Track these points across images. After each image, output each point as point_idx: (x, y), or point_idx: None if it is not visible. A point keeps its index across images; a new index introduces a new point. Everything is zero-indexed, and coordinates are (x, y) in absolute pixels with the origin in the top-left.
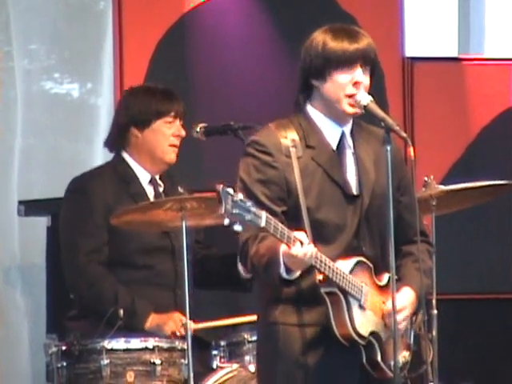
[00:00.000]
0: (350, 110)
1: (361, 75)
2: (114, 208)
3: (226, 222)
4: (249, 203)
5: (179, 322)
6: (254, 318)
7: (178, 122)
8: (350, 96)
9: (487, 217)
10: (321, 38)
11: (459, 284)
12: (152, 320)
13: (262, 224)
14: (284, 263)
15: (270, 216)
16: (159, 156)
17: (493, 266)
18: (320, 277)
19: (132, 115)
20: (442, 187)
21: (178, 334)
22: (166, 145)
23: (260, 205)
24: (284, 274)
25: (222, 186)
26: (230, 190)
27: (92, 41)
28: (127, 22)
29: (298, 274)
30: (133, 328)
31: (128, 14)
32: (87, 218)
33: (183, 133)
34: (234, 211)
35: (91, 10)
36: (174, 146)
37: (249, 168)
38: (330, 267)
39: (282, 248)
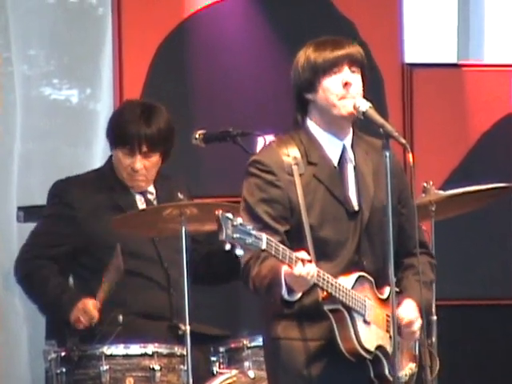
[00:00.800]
0: (345, 111)
1: (349, 75)
2: (94, 215)
3: (228, 247)
4: (249, 227)
5: (86, 308)
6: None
7: (136, 156)
8: (343, 97)
9: (487, 222)
10: (304, 52)
11: (459, 290)
12: (75, 311)
13: (263, 247)
14: (286, 284)
15: (270, 238)
16: (124, 179)
17: (493, 271)
18: (323, 294)
19: (107, 134)
20: (442, 193)
21: (81, 319)
22: (124, 173)
23: (263, 224)
24: (286, 296)
25: (221, 211)
26: (230, 215)
27: (91, 46)
28: (126, 28)
29: (299, 295)
30: (58, 318)
31: (127, 20)
32: (55, 220)
33: (137, 167)
34: (235, 236)
35: (90, 15)
36: (131, 176)
37: (252, 188)
38: (332, 284)
39: (284, 269)
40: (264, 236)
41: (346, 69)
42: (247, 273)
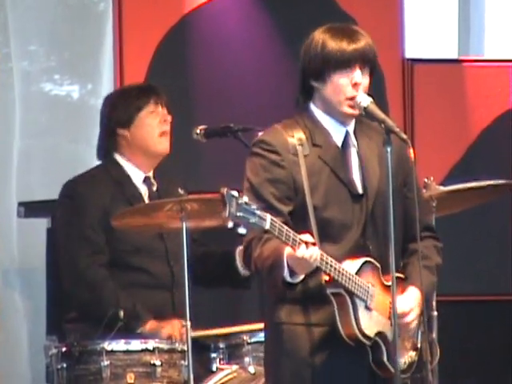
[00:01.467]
0: (349, 111)
1: (360, 76)
2: (110, 210)
3: (230, 224)
4: (253, 206)
5: (177, 328)
6: (253, 326)
7: (160, 109)
8: (351, 98)
9: (488, 218)
10: (320, 38)
11: (460, 285)
12: (150, 325)
13: (267, 227)
14: (288, 266)
15: (274, 219)
16: (152, 149)
17: (494, 267)
18: (326, 277)
19: (114, 117)
20: (443, 188)
21: (173, 339)
22: (156, 135)
23: (267, 205)
24: (288, 278)
25: (226, 189)
26: (235, 193)
27: (92, 42)
28: (127, 24)
29: (301, 277)
30: (131, 330)
31: (128, 15)
32: (82, 222)
33: (169, 118)
34: (239, 214)
35: (91, 10)
36: (164, 133)
37: (256, 167)
38: (335, 268)
39: (287, 251)
40: (268, 216)
41: (357, 70)
42: (249, 253)
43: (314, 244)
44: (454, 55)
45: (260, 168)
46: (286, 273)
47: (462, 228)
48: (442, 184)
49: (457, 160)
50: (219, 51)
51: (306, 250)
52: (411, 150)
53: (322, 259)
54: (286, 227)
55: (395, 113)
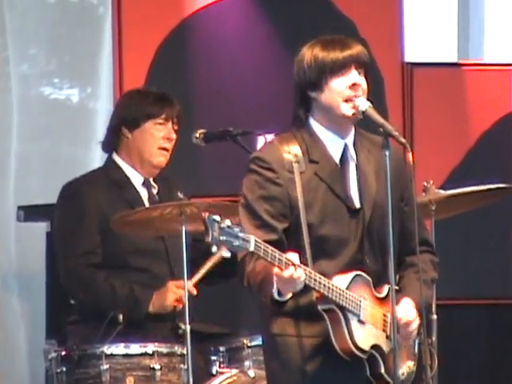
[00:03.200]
0: (350, 112)
1: (357, 77)
2: (109, 213)
3: (214, 249)
4: (236, 229)
5: (176, 289)
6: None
7: (169, 125)
8: (349, 100)
9: (488, 222)
10: (311, 50)
11: (460, 289)
12: (154, 302)
13: (251, 249)
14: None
15: (258, 240)
16: (147, 158)
17: (492, 271)
18: (317, 294)
19: (123, 115)
20: (442, 192)
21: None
22: (155, 147)
23: (262, 222)
24: (276, 295)
25: (207, 213)
26: (216, 217)
27: (91, 45)
28: (126, 27)
29: (289, 296)
30: (138, 315)
31: (127, 19)
32: (79, 223)
33: (174, 136)
34: (222, 238)
35: (90, 14)
36: (164, 149)
37: (251, 184)
38: (325, 285)
39: (275, 270)
40: (252, 238)
41: (353, 70)
42: (243, 268)
43: (300, 264)
44: (453, 59)
45: (255, 185)
46: (274, 290)
47: (462, 231)
48: (442, 188)
49: (456, 164)
50: (219, 54)
51: (290, 270)
52: (410, 155)
53: (310, 277)
54: (270, 248)
55: (394, 117)
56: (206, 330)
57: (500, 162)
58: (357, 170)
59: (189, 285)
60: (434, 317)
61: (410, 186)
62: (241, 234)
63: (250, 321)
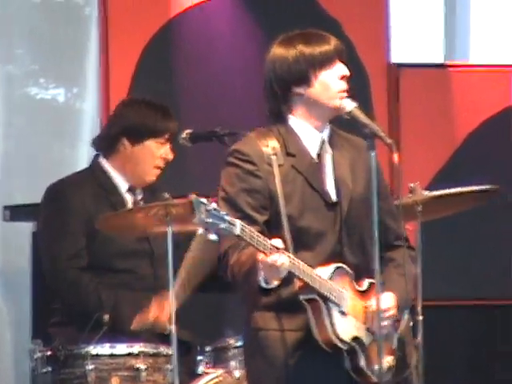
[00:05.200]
0: (341, 103)
1: (345, 69)
2: (94, 214)
3: (201, 231)
4: (223, 212)
5: (160, 305)
6: None
7: (168, 145)
8: (342, 91)
9: (476, 222)
10: (293, 45)
11: (446, 290)
12: (135, 323)
13: (237, 232)
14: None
15: (244, 224)
16: (140, 174)
17: (482, 272)
18: (300, 284)
19: (127, 126)
20: (428, 193)
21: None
22: (152, 165)
23: (243, 214)
24: (262, 283)
25: (194, 195)
26: (204, 200)
27: (77, 45)
28: (113, 27)
29: (276, 283)
30: (118, 330)
31: (113, 19)
32: (65, 224)
33: (171, 157)
34: (208, 220)
35: (76, 14)
36: (159, 167)
37: (231, 177)
38: (308, 274)
39: (260, 256)
40: (238, 222)
41: (339, 63)
42: (226, 261)
43: (283, 250)
44: (439, 60)
45: (235, 178)
46: (261, 278)
47: (451, 232)
48: (428, 188)
49: (442, 165)
50: (205, 55)
51: (276, 255)
52: (396, 155)
53: (294, 264)
54: (256, 233)
55: (380, 117)
56: (187, 339)
57: (487, 163)
58: (333, 164)
59: (176, 287)
60: (420, 318)
61: (386, 182)
62: (227, 218)
63: (235, 321)
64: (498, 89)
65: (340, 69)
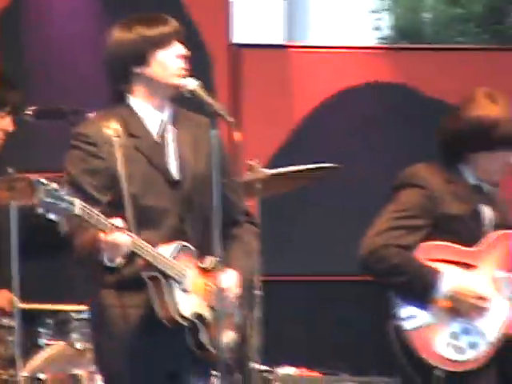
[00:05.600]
0: (180, 81)
1: (182, 48)
2: None
3: (40, 210)
4: (62, 192)
5: (6, 300)
6: (81, 307)
7: (9, 118)
8: (180, 69)
9: (319, 199)
10: (129, 27)
11: (284, 266)
12: None
13: (76, 211)
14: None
15: (84, 203)
16: None
17: (315, 248)
18: (142, 262)
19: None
20: (267, 171)
21: (6, 310)
22: None
23: (86, 195)
24: (106, 262)
25: (33, 176)
26: (43, 180)
27: None
28: None
29: (119, 261)
30: None
31: None
32: None
33: (11, 129)
34: (47, 200)
35: None
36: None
37: (74, 159)
38: (150, 252)
39: (101, 235)
40: (77, 201)
41: (177, 43)
42: (70, 242)
43: (123, 229)
44: (280, 41)
45: (78, 159)
46: (103, 257)
47: (288, 210)
48: (268, 166)
49: (282, 143)
50: (54, 32)
51: (116, 234)
52: (237, 133)
53: (136, 243)
54: (96, 212)
55: (222, 96)
56: (35, 316)
57: (325, 141)
58: (175, 143)
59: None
60: (259, 292)
61: (227, 159)
62: (66, 197)
63: (77, 295)
64: (336, 69)
65: (177, 48)
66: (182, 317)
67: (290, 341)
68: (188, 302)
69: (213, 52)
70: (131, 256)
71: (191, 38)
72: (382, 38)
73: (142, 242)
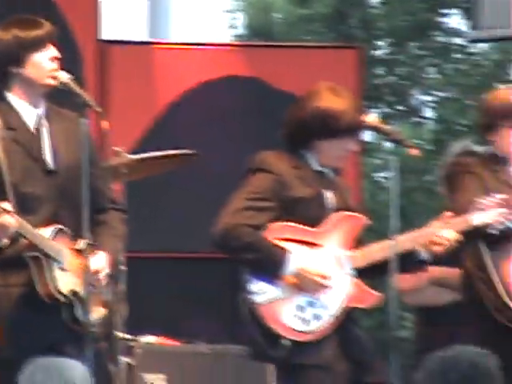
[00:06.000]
0: (52, 82)
1: (56, 51)
2: None
3: None
4: None
5: None
6: None
7: None
8: (53, 70)
9: (178, 184)
10: (8, 31)
11: (147, 243)
12: None
13: None
14: None
15: None
16: None
17: (177, 227)
18: (25, 243)
19: None
20: (131, 156)
21: None
22: None
23: None
24: None
25: None
26: None
27: None
28: None
29: (5, 241)
30: None
31: None
32: None
33: None
34: None
35: None
36: None
37: None
38: (33, 234)
39: None
40: None
41: (51, 45)
42: None
43: (12, 212)
44: (144, 38)
45: None
46: None
47: (152, 191)
48: (132, 152)
49: (146, 130)
50: None
51: (8, 217)
52: (105, 122)
53: (21, 225)
54: None
55: (91, 89)
56: None
57: (185, 130)
58: (50, 136)
59: None
60: (124, 268)
61: (95, 150)
62: None
63: None
64: (196, 64)
65: (51, 51)
66: (60, 293)
67: (151, 312)
68: (65, 280)
69: (82, 48)
70: (15, 237)
71: (63, 36)
72: (237, 36)
73: (26, 224)
